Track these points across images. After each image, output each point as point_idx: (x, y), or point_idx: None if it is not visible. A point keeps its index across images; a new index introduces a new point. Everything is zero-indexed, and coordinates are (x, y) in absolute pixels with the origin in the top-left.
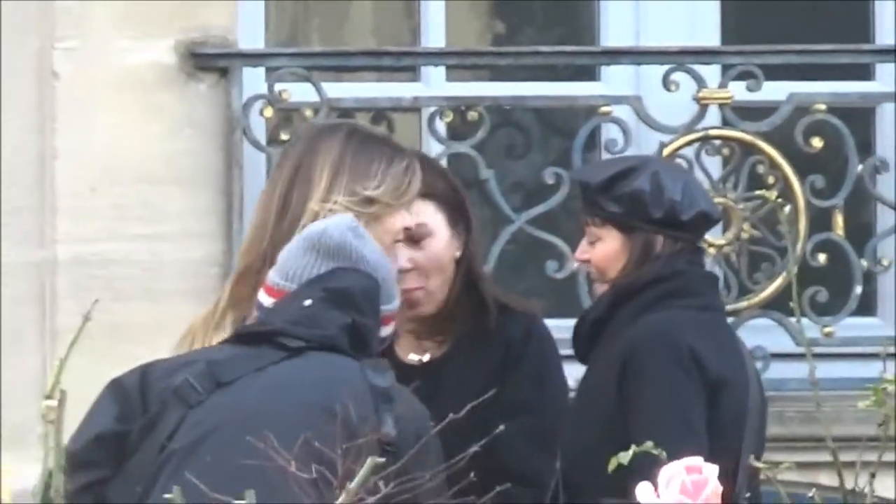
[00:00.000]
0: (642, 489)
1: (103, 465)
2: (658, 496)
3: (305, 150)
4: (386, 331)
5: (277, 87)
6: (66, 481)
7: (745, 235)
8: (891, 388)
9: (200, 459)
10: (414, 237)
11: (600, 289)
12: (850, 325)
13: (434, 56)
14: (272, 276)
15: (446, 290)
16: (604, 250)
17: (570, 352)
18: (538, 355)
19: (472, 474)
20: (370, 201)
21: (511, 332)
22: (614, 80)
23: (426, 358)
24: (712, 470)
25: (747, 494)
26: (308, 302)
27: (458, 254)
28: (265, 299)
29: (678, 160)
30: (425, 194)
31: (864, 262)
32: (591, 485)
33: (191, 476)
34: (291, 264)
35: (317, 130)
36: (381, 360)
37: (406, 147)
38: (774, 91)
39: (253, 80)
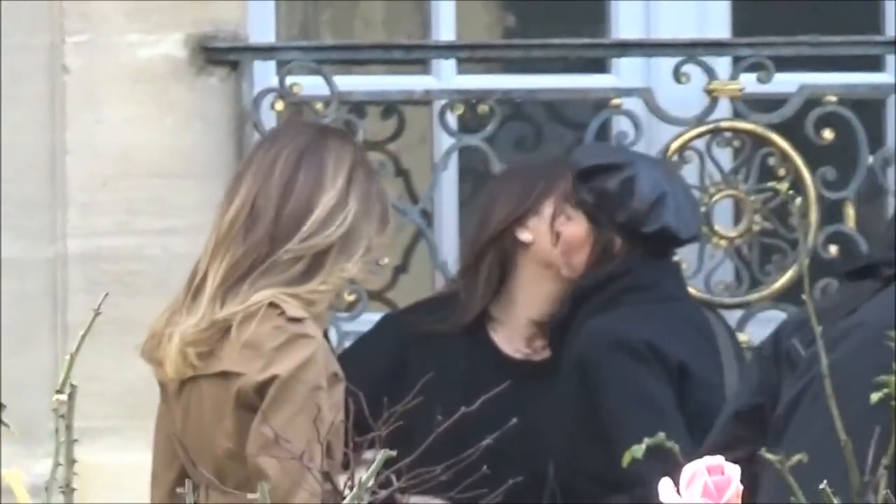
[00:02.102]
0: (664, 487)
1: (748, 441)
2: (679, 495)
3: (312, 145)
4: None
5: (288, 80)
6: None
7: (756, 227)
8: None
9: (789, 432)
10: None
11: (565, 271)
12: None
13: (445, 49)
14: None
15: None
16: (573, 230)
17: None
18: None
19: (484, 467)
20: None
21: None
22: (625, 72)
23: (537, 356)
24: (735, 470)
25: None
26: None
27: None
28: None
29: (689, 152)
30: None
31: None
32: (579, 484)
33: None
34: None
35: (318, 129)
36: None
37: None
38: (785, 83)
39: (264, 73)
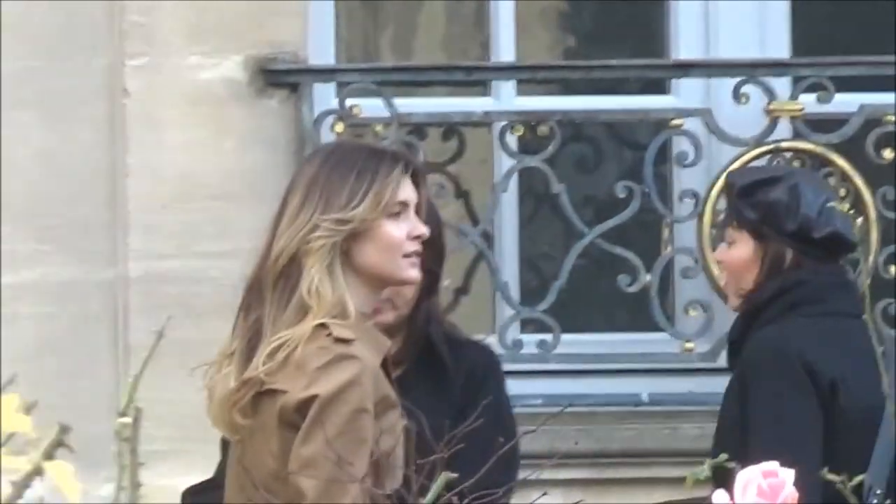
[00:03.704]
0: (718, 496)
1: None
2: (733, 501)
3: (294, 173)
4: None
5: (348, 102)
6: None
7: None
8: None
9: None
10: None
11: (732, 302)
12: None
13: (505, 70)
14: None
15: (406, 309)
16: (737, 254)
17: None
18: (497, 386)
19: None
20: (343, 221)
21: (473, 361)
22: (685, 92)
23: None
24: (788, 474)
25: (878, 492)
26: None
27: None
28: None
29: None
30: None
31: None
32: None
33: None
34: None
35: (309, 154)
36: None
37: (398, 154)
38: (845, 103)
39: (324, 95)
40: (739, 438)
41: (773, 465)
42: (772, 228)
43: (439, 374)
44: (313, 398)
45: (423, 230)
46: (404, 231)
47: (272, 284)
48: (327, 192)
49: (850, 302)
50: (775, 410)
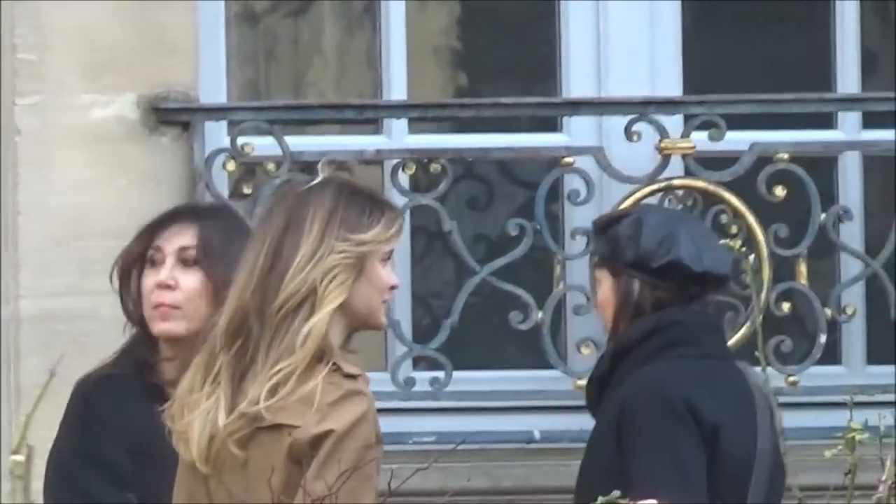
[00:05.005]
0: None
1: None
2: None
3: (296, 204)
4: None
5: (240, 140)
6: None
7: None
8: (859, 436)
9: None
10: (187, 259)
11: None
12: (814, 374)
13: (396, 108)
14: None
15: (197, 323)
16: (601, 292)
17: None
18: None
19: None
20: (361, 242)
21: None
22: (577, 130)
23: None
24: None
25: None
26: None
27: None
28: None
29: None
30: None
31: (828, 311)
32: None
33: None
34: None
35: (306, 188)
36: None
37: (395, 207)
38: (737, 140)
39: (215, 133)
40: (619, 478)
41: None
42: (618, 261)
43: None
44: (328, 433)
45: (397, 282)
46: (387, 277)
47: (280, 315)
48: (346, 223)
49: (720, 344)
50: (667, 453)
